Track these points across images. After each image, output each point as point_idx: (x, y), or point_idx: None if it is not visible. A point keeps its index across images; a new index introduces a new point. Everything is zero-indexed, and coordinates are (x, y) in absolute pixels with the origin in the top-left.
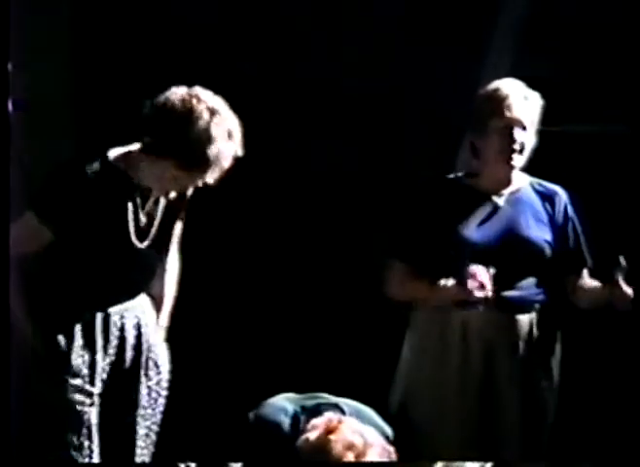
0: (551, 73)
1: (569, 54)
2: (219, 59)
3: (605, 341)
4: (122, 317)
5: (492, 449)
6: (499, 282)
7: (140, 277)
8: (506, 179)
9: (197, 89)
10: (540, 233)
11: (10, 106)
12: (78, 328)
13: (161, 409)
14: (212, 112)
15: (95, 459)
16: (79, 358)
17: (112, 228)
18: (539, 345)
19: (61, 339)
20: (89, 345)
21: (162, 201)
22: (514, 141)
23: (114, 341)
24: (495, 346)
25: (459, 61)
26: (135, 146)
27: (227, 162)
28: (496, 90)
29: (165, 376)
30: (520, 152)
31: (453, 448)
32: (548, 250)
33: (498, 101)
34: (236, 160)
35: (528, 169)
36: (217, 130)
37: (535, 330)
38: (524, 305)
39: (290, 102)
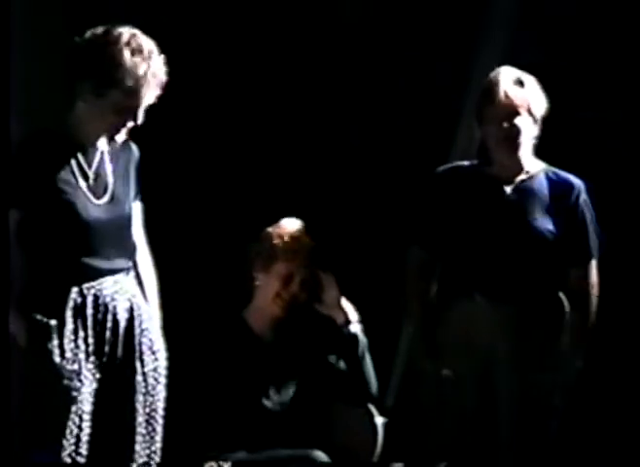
0: (545, 60)
1: (562, 42)
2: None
3: (614, 335)
4: (113, 299)
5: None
6: (505, 272)
7: (113, 238)
8: (515, 166)
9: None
10: (543, 223)
11: None
12: (68, 313)
13: (162, 396)
14: (126, 35)
15: (83, 449)
16: (71, 343)
17: (68, 193)
18: (544, 335)
19: (52, 323)
20: (83, 329)
21: (107, 155)
22: (507, 127)
23: (107, 324)
24: (499, 337)
25: (453, 49)
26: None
27: (159, 80)
28: (489, 79)
29: (163, 362)
30: (517, 137)
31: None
32: (550, 240)
33: (490, 89)
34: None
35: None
36: (136, 48)
37: (540, 321)
38: (529, 295)
39: (288, 103)
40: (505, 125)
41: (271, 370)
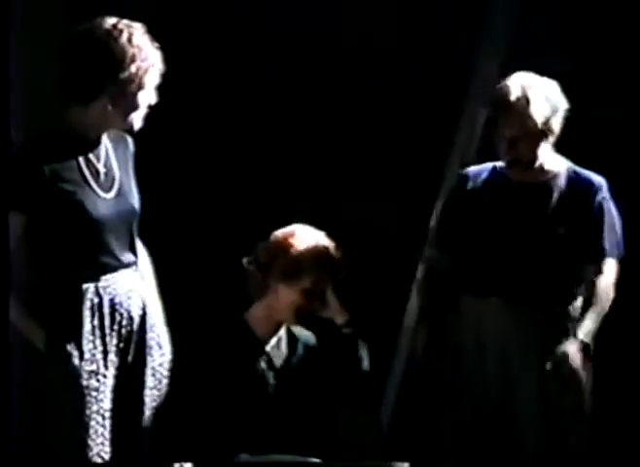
0: (545, 60)
1: (561, 42)
2: None
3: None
4: (129, 298)
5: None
6: (521, 273)
7: (121, 232)
8: (532, 166)
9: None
10: (561, 226)
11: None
12: (86, 313)
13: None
14: (123, 27)
15: (107, 447)
16: (89, 343)
17: (75, 192)
18: (557, 337)
19: (70, 325)
20: (100, 328)
21: (111, 149)
22: (506, 151)
23: (123, 322)
24: (511, 339)
25: (452, 49)
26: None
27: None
28: (497, 89)
29: (168, 357)
30: (520, 152)
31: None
32: (566, 242)
33: (496, 101)
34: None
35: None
36: (137, 40)
37: (554, 322)
38: (545, 295)
39: (286, 104)
40: (507, 137)
41: (273, 373)
